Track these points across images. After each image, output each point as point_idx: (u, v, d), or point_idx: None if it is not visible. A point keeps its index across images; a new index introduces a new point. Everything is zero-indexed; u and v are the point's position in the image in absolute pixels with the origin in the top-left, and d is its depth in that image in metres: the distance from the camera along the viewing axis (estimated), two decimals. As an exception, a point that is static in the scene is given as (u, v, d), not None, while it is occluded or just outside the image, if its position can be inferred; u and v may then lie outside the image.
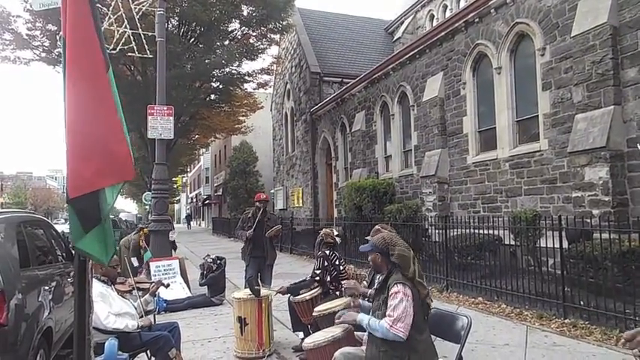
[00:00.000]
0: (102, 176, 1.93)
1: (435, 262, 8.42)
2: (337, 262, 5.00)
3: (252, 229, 6.50)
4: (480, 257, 7.66)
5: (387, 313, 2.74)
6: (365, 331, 3.05)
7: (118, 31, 10.55)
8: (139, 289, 4.25)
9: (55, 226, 5.62)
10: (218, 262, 7.81)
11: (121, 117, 2.01)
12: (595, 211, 6.81)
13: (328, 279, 4.87)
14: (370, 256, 3.02)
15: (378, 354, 2.78)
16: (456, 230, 8.01)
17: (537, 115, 8.72)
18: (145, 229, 8.93)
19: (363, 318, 2.92)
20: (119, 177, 2.00)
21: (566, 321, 5.54)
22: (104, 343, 3.21)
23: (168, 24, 16.04)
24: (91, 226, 1.96)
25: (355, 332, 3.34)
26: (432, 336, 3.00)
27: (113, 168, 1.95)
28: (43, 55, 17.15)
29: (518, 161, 9.10)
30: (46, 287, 4.06)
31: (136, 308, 4.00)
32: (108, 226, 2.05)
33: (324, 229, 5.46)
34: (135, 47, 10.50)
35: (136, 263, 8.49)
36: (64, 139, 1.90)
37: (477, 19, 10.10)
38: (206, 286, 7.73)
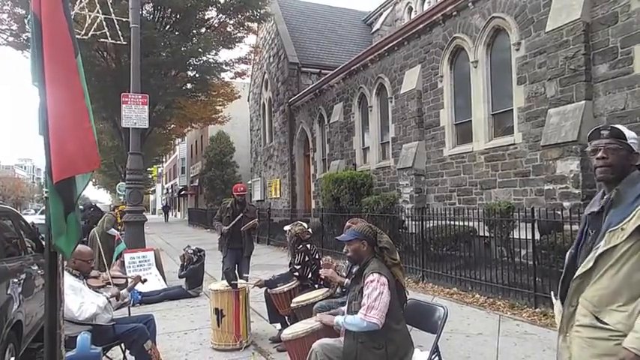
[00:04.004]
0: (75, 162, 1.90)
1: (411, 253, 8.53)
2: (317, 257, 5.00)
3: (229, 225, 6.42)
4: (455, 248, 7.80)
5: (361, 302, 2.75)
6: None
7: (90, 15, 10.18)
8: (114, 284, 4.15)
9: (25, 217, 5.45)
10: (199, 253, 7.70)
11: (88, 104, 1.97)
12: (566, 204, 6.99)
13: (310, 275, 4.85)
14: (352, 245, 2.95)
15: (355, 345, 2.79)
16: (432, 222, 8.12)
17: (512, 109, 8.87)
18: (121, 206, 8.72)
19: (339, 319, 2.94)
20: (87, 166, 1.98)
21: (536, 310, 5.70)
22: (76, 336, 3.14)
23: (142, 10, 15.61)
24: (69, 211, 1.92)
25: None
26: (409, 326, 3.03)
27: (82, 155, 1.92)
28: (11, 39, 16.48)
29: (493, 154, 9.26)
30: (16, 280, 3.93)
31: (109, 301, 3.91)
32: (77, 216, 2.01)
33: (293, 228, 5.12)
34: (108, 33, 10.16)
35: (115, 233, 8.40)
36: (43, 121, 1.84)
37: (454, 13, 10.17)
38: (184, 279, 7.64)
